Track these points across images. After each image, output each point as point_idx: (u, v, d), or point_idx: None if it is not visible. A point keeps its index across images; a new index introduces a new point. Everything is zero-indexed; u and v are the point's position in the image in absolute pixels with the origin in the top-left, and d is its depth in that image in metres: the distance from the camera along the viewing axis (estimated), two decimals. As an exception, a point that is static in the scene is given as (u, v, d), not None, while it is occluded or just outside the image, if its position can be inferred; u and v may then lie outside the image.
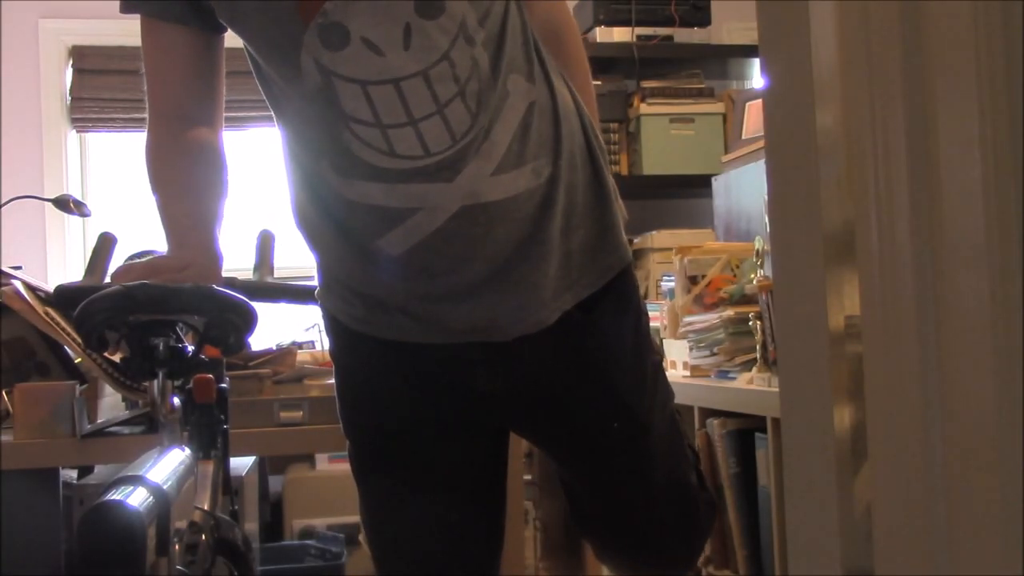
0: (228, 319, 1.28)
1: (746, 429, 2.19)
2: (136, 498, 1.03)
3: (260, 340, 2.30)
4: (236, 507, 1.63)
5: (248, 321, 1.30)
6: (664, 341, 2.79)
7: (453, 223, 1.24)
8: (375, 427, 1.41)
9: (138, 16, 1.42)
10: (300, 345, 2.64)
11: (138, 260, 1.38)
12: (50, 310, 1.90)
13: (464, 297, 1.28)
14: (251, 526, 2.53)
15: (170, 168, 1.40)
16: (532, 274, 1.29)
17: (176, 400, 1.36)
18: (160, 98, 1.41)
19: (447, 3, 1.22)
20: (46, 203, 3.23)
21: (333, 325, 1.43)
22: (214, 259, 1.35)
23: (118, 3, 1.43)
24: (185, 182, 1.39)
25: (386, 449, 1.40)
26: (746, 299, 2.32)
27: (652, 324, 2.87)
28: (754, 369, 2.17)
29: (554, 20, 1.46)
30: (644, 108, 3.74)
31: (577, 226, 1.32)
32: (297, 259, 4.38)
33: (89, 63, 4.24)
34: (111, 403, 2.06)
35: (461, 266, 1.27)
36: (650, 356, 1.47)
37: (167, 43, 1.39)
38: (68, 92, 4.27)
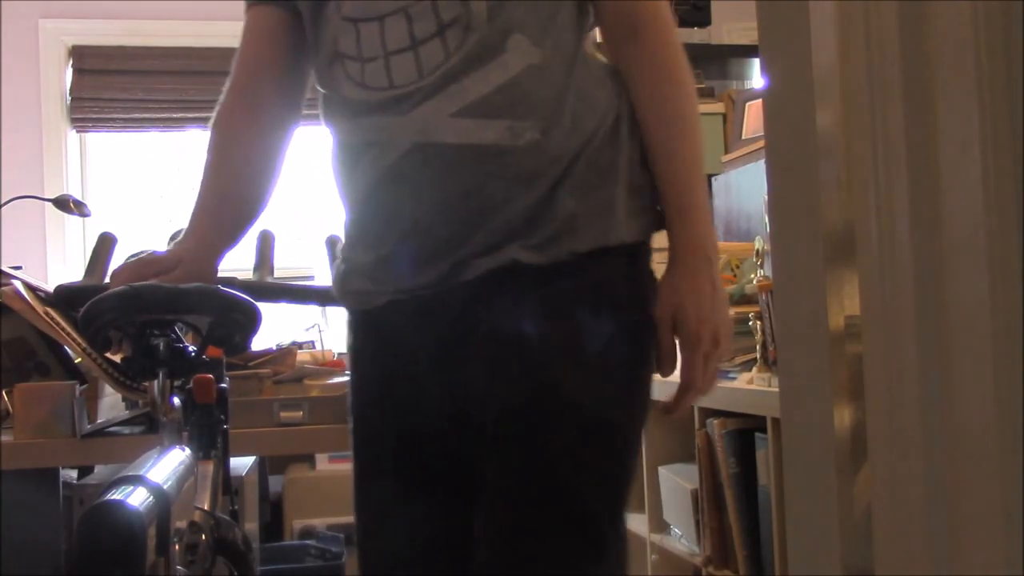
0: (233, 319, 1.28)
1: (746, 429, 2.19)
2: (136, 498, 1.03)
3: (260, 340, 2.30)
4: (236, 507, 1.63)
5: (253, 321, 1.30)
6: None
7: (403, 162, 1.19)
8: (373, 416, 1.34)
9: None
10: (300, 345, 2.64)
11: (132, 259, 1.39)
12: (50, 310, 1.90)
13: (410, 241, 1.21)
14: (251, 526, 2.52)
15: (221, 151, 1.39)
16: (482, 226, 1.19)
17: (176, 400, 1.36)
18: (238, 71, 1.41)
19: None
20: (46, 203, 3.23)
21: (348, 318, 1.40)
22: (207, 258, 1.34)
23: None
24: (227, 173, 1.38)
25: (385, 444, 1.35)
26: (746, 299, 2.32)
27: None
28: (754, 369, 2.17)
29: (630, 15, 1.26)
30: (644, 108, 3.73)
31: (549, 221, 1.20)
32: (297, 259, 4.39)
33: (89, 63, 4.24)
34: (111, 403, 2.06)
35: (410, 215, 1.20)
36: (599, 341, 1.19)
37: (253, 23, 1.41)
38: (68, 92, 4.27)
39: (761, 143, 2.81)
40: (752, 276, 2.33)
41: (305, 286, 1.62)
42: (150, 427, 1.96)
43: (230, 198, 1.38)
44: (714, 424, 2.27)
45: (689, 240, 1.23)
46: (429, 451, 1.31)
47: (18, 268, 2.27)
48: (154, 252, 1.38)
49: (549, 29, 1.22)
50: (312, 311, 2.91)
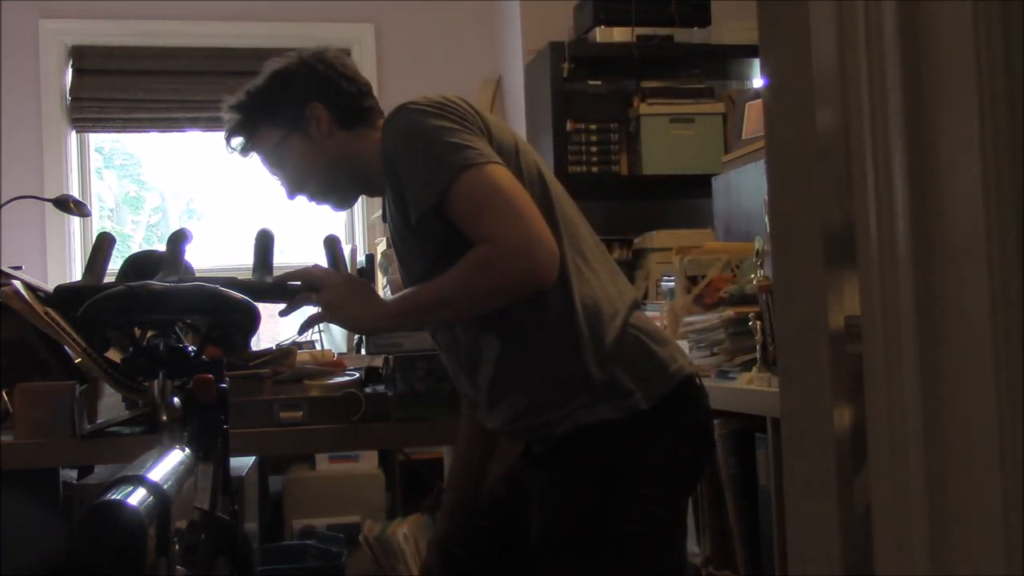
0: (232, 319, 1.29)
1: (746, 429, 2.19)
2: (136, 498, 1.03)
3: (260, 340, 2.29)
4: (236, 507, 1.63)
5: (252, 321, 1.30)
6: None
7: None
8: None
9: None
10: (300, 345, 2.64)
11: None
12: (50, 310, 1.90)
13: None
14: (251, 526, 2.52)
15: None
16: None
17: (176, 400, 1.36)
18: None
19: None
20: (46, 203, 3.23)
21: None
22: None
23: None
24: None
25: None
26: (746, 299, 2.32)
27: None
28: (754, 369, 2.17)
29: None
30: (644, 108, 3.73)
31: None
32: (297, 259, 4.38)
33: (89, 63, 4.23)
34: (111, 403, 2.06)
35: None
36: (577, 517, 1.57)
37: None
38: (68, 92, 4.26)
39: (761, 143, 2.81)
40: (752, 276, 2.33)
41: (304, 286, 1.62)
42: (150, 427, 1.96)
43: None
44: (714, 424, 2.26)
45: (388, 301, 1.62)
46: None
47: (18, 268, 2.27)
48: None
49: (504, 314, 1.53)
50: (311, 311, 2.90)
